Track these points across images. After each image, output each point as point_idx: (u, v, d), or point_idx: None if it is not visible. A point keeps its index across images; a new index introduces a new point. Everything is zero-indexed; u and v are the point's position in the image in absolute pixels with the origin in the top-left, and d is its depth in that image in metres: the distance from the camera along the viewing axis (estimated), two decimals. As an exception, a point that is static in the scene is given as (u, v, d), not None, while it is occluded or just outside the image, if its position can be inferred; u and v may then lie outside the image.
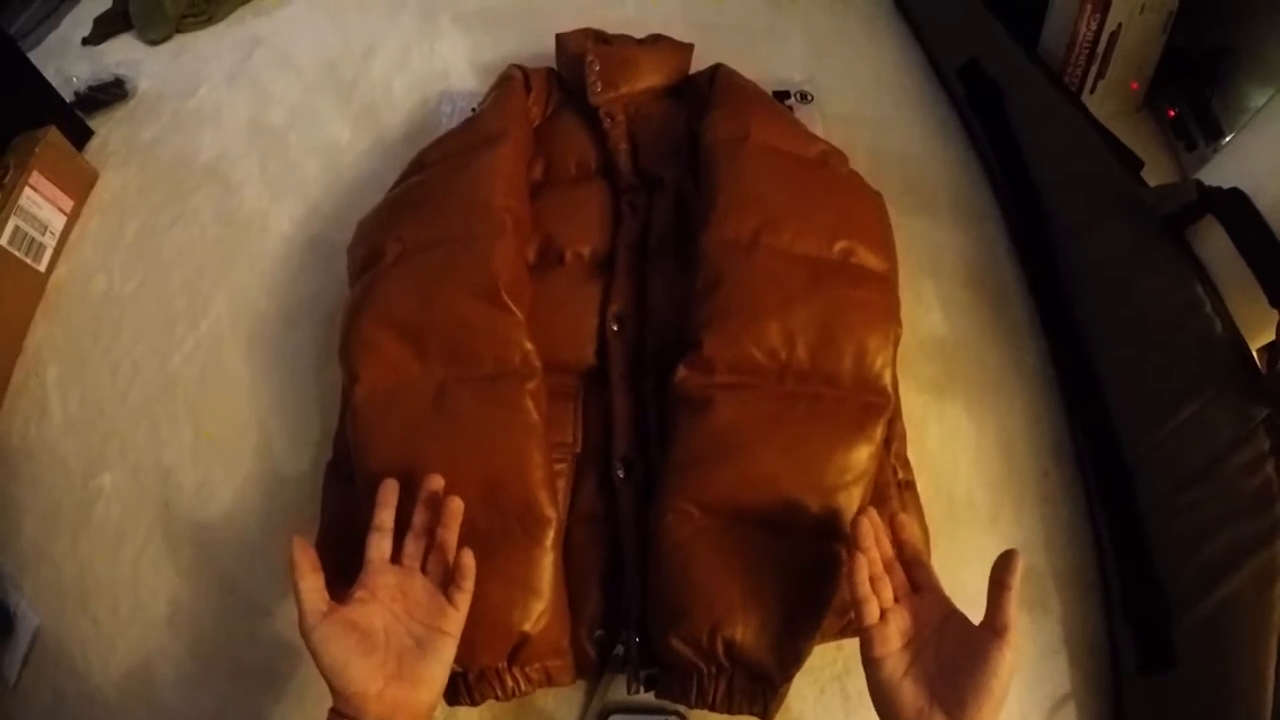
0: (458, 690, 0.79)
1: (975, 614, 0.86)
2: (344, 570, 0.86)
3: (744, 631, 0.75)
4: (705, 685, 0.76)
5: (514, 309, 0.89)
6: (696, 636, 0.75)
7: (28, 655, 0.93)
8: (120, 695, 0.90)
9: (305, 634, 0.68)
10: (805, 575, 0.78)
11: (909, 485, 0.90)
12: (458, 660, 0.74)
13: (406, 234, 0.95)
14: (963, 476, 0.95)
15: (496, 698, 0.79)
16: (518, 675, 0.79)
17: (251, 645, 0.90)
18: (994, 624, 0.66)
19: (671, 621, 0.77)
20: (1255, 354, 0.83)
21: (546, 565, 0.81)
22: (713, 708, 0.76)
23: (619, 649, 0.81)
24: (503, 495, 0.82)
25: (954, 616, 0.69)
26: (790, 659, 0.76)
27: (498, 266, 0.90)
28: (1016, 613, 0.66)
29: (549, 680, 0.80)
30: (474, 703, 0.79)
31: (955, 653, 0.67)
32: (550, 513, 0.82)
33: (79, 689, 0.91)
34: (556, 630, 0.80)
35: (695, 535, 0.79)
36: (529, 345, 0.88)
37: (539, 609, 0.79)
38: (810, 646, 0.77)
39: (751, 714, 0.76)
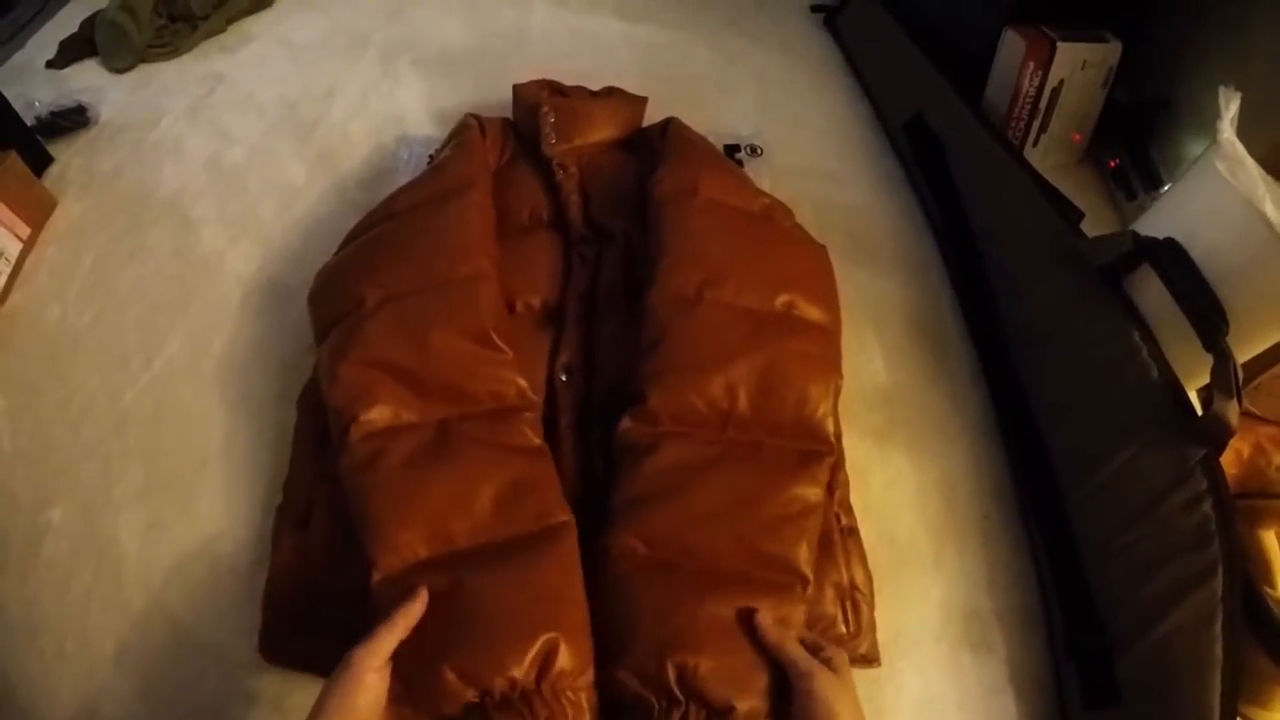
0: None
1: (915, 655, 0.89)
2: (292, 613, 0.87)
3: (695, 658, 0.72)
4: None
5: (504, 348, 0.91)
6: (644, 665, 0.73)
7: (-30, 692, 0.92)
8: (65, 735, 0.90)
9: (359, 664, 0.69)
10: (763, 609, 0.77)
11: (853, 532, 0.92)
12: (474, 681, 0.70)
13: (388, 280, 0.96)
14: (905, 520, 0.97)
15: None
16: (550, 700, 0.71)
17: (200, 689, 0.89)
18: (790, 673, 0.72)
19: (618, 654, 0.75)
20: (1193, 396, 0.85)
21: (570, 566, 0.79)
22: None
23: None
24: (517, 507, 0.82)
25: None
26: (757, 693, 0.72)
27: (485, 309, 0.92)
28: (792, 647, 0.73)
29: (582, 712, 0.73)
30: None
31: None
32: (567, 518, 0.83)
33: (23, 727, 0.90)
34: (585, 642, 0.76)
35: (640, 568, 0.79)
36: (523, 382, 0.90)
37: (565, 609, 0.76)
38: (770, 683, 0.73)
39: None
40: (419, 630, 0.73)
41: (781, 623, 0.76)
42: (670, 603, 0.77)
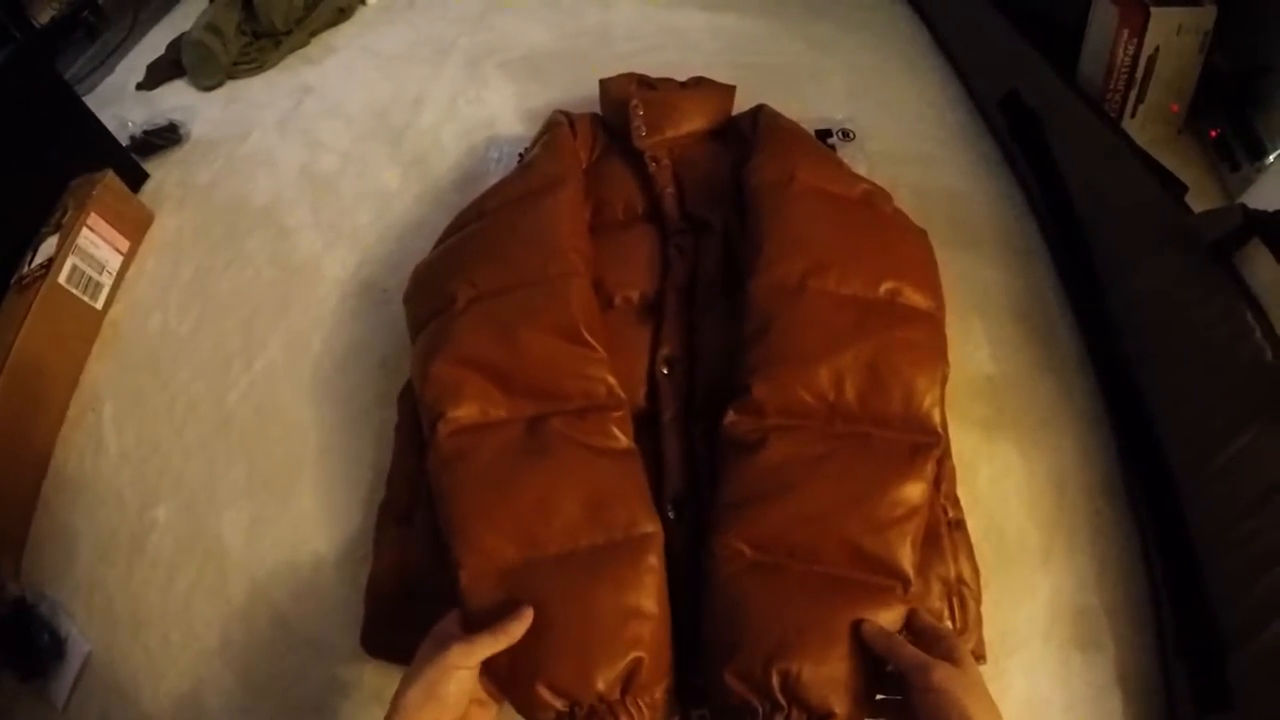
0: None
1: (1023, 654, 0.86)
2: (395, 608, 0.87)
3: (801, 664, 0.71)
4: None
5: (595, 345, 0.90)
6: (750, 669, 0.72)
7: (77, 681, 0.94)
8: (168, 722, 0.91)
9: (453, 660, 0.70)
10: (858, 615, 0.75)
11: (959, 524, 0.89)
12: (564, 694, 0.74)
13: (478, 278, 0.96)
14: (1014, 515, 0.94)
15: None
16: (632, 708, 0.75)
17: (301, 681, 0.90)
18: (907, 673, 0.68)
19: (725, 657, 0.74)
20: None
21: (655, 581, 0.79)
22: None
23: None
24: (605, 514, 0.81)
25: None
26: (854, 698, 0.71)
27: (576, 306, 0.91)
28: (902, 647, 0.70)
29: (658, 712, 0.77)
30: None
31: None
32: (654, 529, 0.82)
33: (127, 715, 0.92)
34: (666, 655, 0.78)
35: (747, 571, 0.78)
36: (612, 379, 0.89)
37: (650, 626, 0.77)
38: (871, 687, 0.72)
39: None
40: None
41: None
42: (775, 608, 0.76)
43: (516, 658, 0.74)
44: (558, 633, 0.76)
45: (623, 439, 0.87)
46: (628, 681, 0.74)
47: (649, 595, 0.78)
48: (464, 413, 0.88)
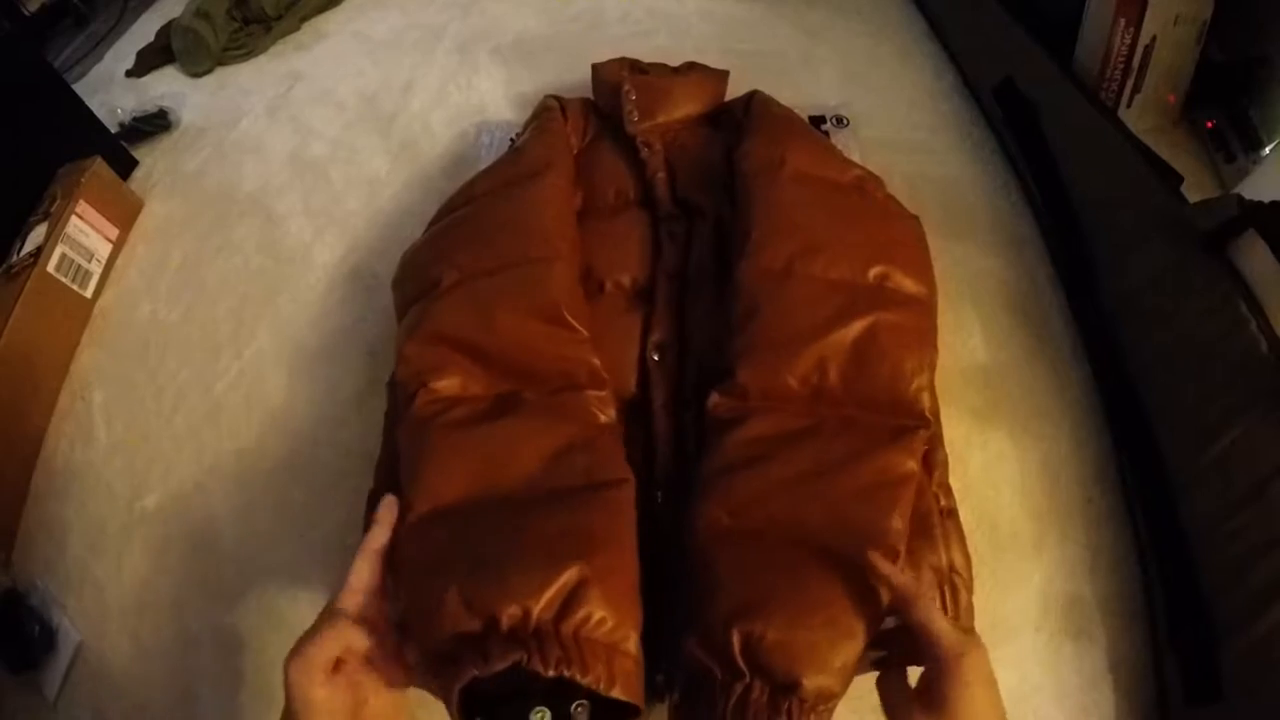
0: (460, 661, 0.62)
1: (1015, 643, 0.86)
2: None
3: (766, 627, 0.64)
4: (714, 695, 0.64)
5: (577, 327, 0.89)
6: (711, 633, 0.65)
7: (68, 672, 0.94)
8: (160, 715, 0.91)
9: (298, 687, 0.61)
10: (840, 585, 0.69)
11: (951, 513, 0.88)
12: (478, 608, 0.62)
13: (461, 262, 0.95)
14: (1006, 504, 0.94)
15: (530, 675, 0.61)
16: (570, 643, 0.62)
17: (293, 670, 0.90)
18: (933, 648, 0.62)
19: (689, 622, 0.68)
20: None
21: (618, 515, 0.74)
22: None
23: (659, 677, 0.79)
24: (568, 460, 0.79)
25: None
26: (826, 671, 0.63)
27: (557, 288, 0.91)
28: (939, 618, 0.62)
29: (612, 673, 0.63)
30: (486, 667, 0.60)
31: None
32: (624, 476, 0.78)
33: (119, 707, 0.92)
34: (632, 599, 0.69)
35: (723, 536, 0.75)
36: (595, 361, 0.88)
37: (604, 551, 0.68)
38: (847, 662, 0.65)
39: None
40: (433, 553, 0.68)
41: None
42: (748, 571, 0.71)
43: (433, 570, 0.67)
44: (489, 545, 0.68)
45: (601, 416, 0.86)
46: (567, 607, 0.64)
47: (607, 522, 0.73)
48: (444, 385, 0.87)
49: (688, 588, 0.73)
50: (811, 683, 0.63)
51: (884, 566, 0.68)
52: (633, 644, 0.66)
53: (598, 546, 0.69)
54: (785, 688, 0.63)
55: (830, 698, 0.64)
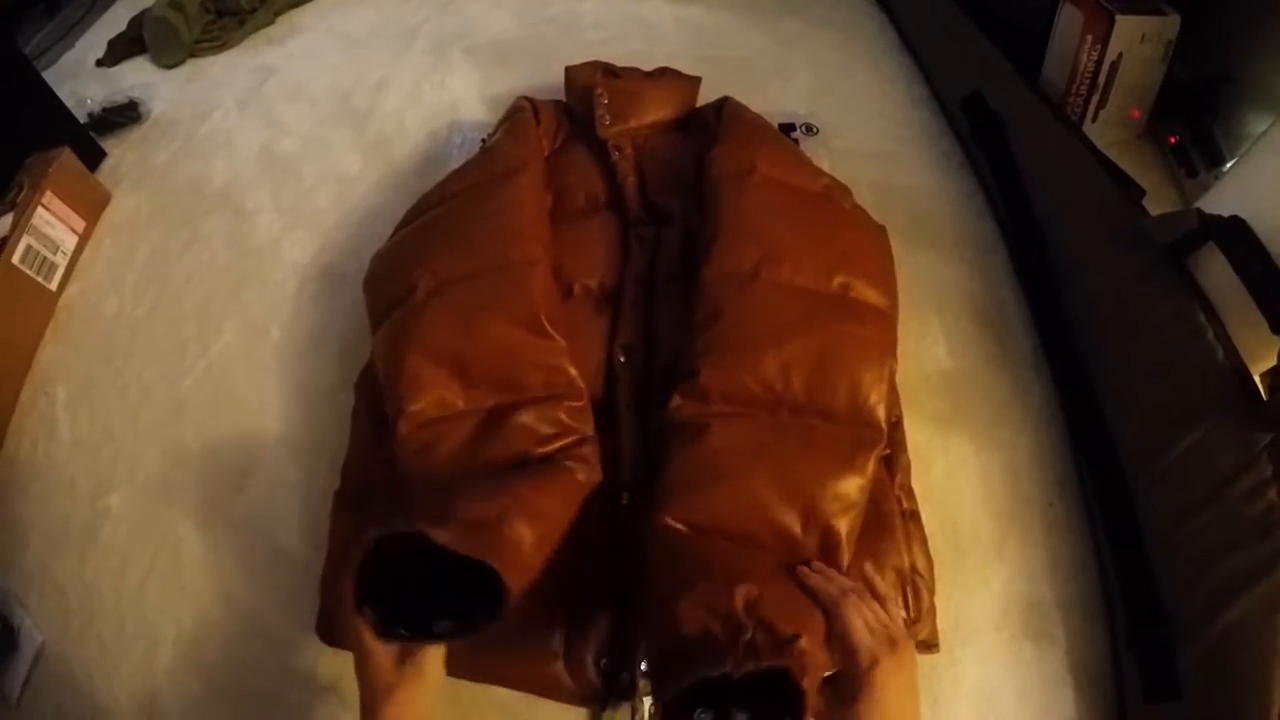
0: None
1: (976, 644, 0.87)
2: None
3: (762, 590, 0.67)
4: (721, 650, 0.63)
5: (555, 336, 0.90)
6: (711, 596, 0.67)
7: (30, 673, 0.93)
8: (124, 716, 0.90)
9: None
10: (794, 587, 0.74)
11: (914, 516, 0.90)
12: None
13: (438, 266, 0.95)
14: (968, 508, 0.96)
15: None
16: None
17: (257, 670, 0.90)
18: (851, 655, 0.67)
19: (679, 591, 0.69)
20: (1257, 380, 0.82)
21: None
22: (738, 666, 0.61)
23: (625, 676, 0.81)
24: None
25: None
26: (813, 632, 0.67)
27: (537, 295, 0.91)
28: (858, 625, 0.67)
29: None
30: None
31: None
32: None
33: (81, 708, 0.91)
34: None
35: (686, 539, 0.78)
36: (573, 370, 0.89)
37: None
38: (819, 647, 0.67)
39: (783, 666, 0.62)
40: None
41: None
42: (725, 552, 0.76)
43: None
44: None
45: (585, 430, 0.88)
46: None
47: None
48: (422, 408, 0.88)
49: (658, 572, 0.76)
50: (807, 642, 0.64)
51: (809, 580, 0.73)
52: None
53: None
54: (786, 639, 0.64)
55: (820, 665, 0.67)
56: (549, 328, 0.90)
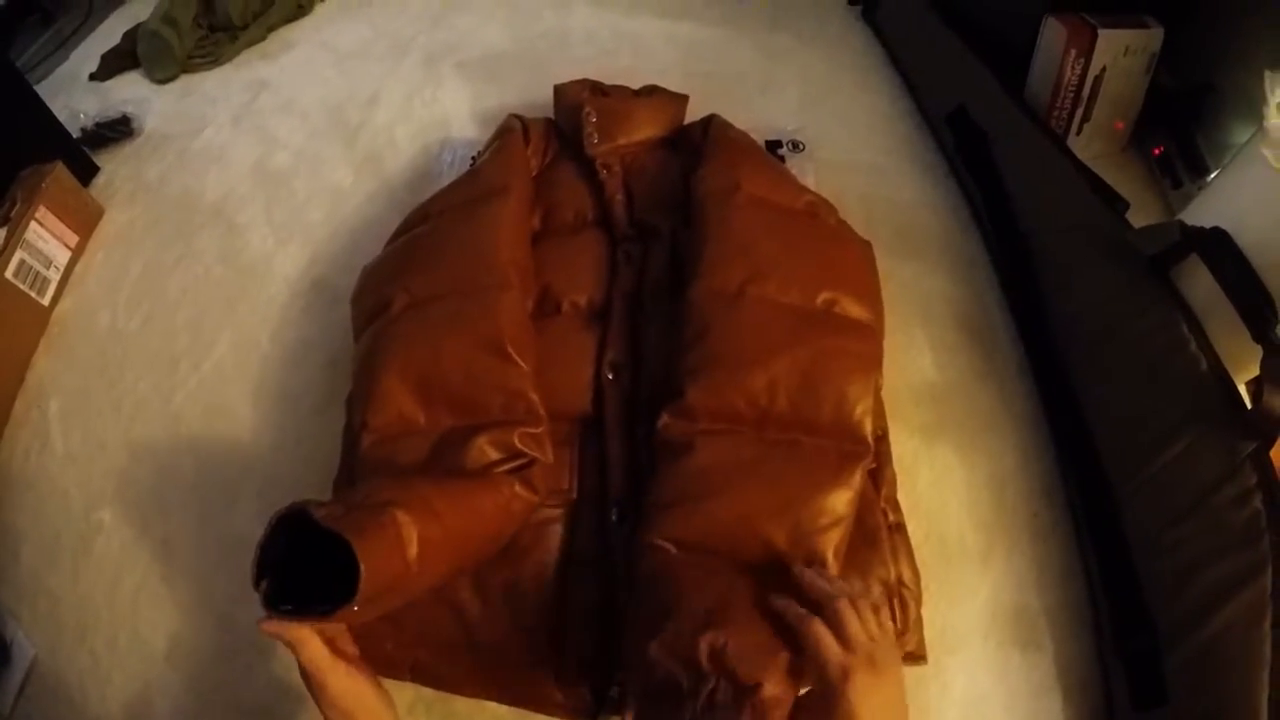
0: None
1: (963, 653, 0.88)
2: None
3: (728, 636, 0.68)
4: (683, 700, 0.67)
5: (519, 361, 0.90)
6: (676, 642, 0.70)
7: (23, 686, 0.93)
8: (116, 728, 0.90)
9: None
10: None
11: (900, 528, 0.91)
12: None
13: (414, 285, 0.97)
14: (954, 518, 0.96)
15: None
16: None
17: (248, 683, 0.90)
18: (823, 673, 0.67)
19: (651, 630, 0.72)
20: (1241, 389, 0.83)
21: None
22: (697, 717, 0.66)
23: (614, 691, 0.81)
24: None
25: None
26: (782, 673, 0.68)
27: (503, 320, 0.92)
28: (828, 645, 0.67)
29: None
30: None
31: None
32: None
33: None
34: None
35: (673, 562, 0.79)
36: (534, 396, 0.90)
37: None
38: (792, 668, 0.69)
39: None
40: None
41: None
42: (702, 583, 0.76)
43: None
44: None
45: (544, 456, 0.89)
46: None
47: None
48: (383, 423, 0.89)
49: (641, 599, 0.77)
50: (772, 685, 0.66)
51: (778, 602, 0.72)
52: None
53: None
54: (747, 689, 0.66)
55: (784, 703, 0.67)
56: (513, 353, 0.90)
